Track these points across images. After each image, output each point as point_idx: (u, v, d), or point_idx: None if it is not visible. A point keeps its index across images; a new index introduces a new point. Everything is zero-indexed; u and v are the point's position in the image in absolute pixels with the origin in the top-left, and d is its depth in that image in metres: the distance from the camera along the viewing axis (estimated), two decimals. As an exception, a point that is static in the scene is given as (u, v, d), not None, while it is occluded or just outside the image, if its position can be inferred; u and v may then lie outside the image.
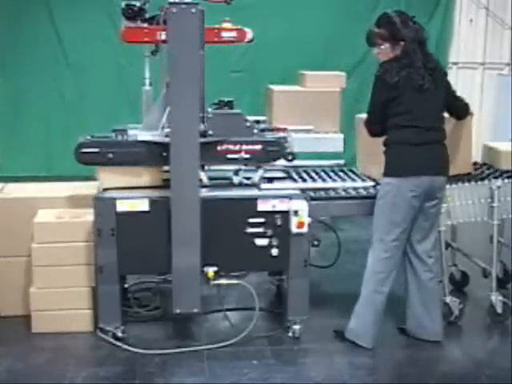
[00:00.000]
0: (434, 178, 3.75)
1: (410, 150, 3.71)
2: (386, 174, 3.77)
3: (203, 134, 3.75)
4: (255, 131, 3.93)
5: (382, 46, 3.76)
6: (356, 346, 3.86)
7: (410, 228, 3.80)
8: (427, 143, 3.72)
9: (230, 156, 3.84)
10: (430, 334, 3.95)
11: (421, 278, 3.89)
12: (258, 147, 3.85)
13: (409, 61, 3.66)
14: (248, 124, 3.91)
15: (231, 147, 3.83)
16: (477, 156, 4.64)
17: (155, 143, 3.78)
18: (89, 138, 3.85)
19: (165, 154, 3.71)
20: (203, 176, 3.83)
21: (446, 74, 3.88)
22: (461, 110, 4.05)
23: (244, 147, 3.84)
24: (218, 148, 3.82)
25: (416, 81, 3.64)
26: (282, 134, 4.07)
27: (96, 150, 3.78)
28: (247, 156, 3.85)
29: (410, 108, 3.67)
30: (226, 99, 4.02)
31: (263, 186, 3.94)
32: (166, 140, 3.70)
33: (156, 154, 3.77)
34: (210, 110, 3.90)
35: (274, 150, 3.89)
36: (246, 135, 3.87)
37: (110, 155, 3.79)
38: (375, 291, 3.81)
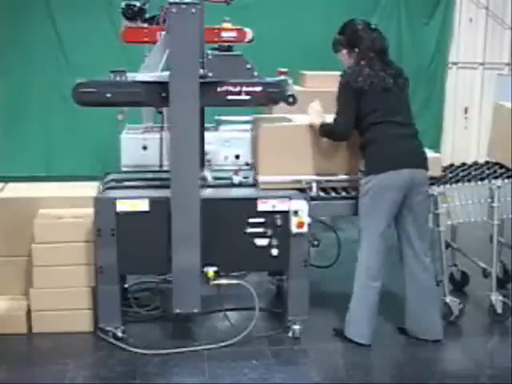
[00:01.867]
0: (414, 171, 3.77)
1: (385, 146, 3.75)
2: (366, 172, 3.80)
3: (203, 77, 3.65)
4: (255, 73, 3.81)
5: (340, 52, 3.92)
6: (356, 345, 3.85)
7: (396, 223, 3.83)
8: (402, 137, 3.78)
9: (230, 97, 3.74)
10: (430, 333, 3.95)
11: (418, 278, 3.89)
12: (259, 88, 3.76)
13: (367, 65, 3.76)
14: (248, 66, 3.80)
15: (231, 88, 3.74)
16: (478, 156, 4.64)
17: (154, 82, 3.68)
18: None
19: (164, 94, 3.63)
20: (208, 175, 3.79)
21: (407, 80, 3.92)
22: None
23: (244, 88, 3.74)
24: (218, 89, 3.73)
25: (378, 84, 3.73)
26: (282, 77, 3.98)
27: (94, 89, 3.74)
28: (247, 97, 3.75)
29: (378, 106, 3.74)
30: (226, 44, 3.96)
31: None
32: (165, 79, 3.60)
33: (155, 93, 3.68)
34: (209, 52, 3.79)
35: (275, 92, 3.80)
36: (246, 77, 3.78)
37: (109, 95, 3.72)
38: (367, 286, 3.83)
